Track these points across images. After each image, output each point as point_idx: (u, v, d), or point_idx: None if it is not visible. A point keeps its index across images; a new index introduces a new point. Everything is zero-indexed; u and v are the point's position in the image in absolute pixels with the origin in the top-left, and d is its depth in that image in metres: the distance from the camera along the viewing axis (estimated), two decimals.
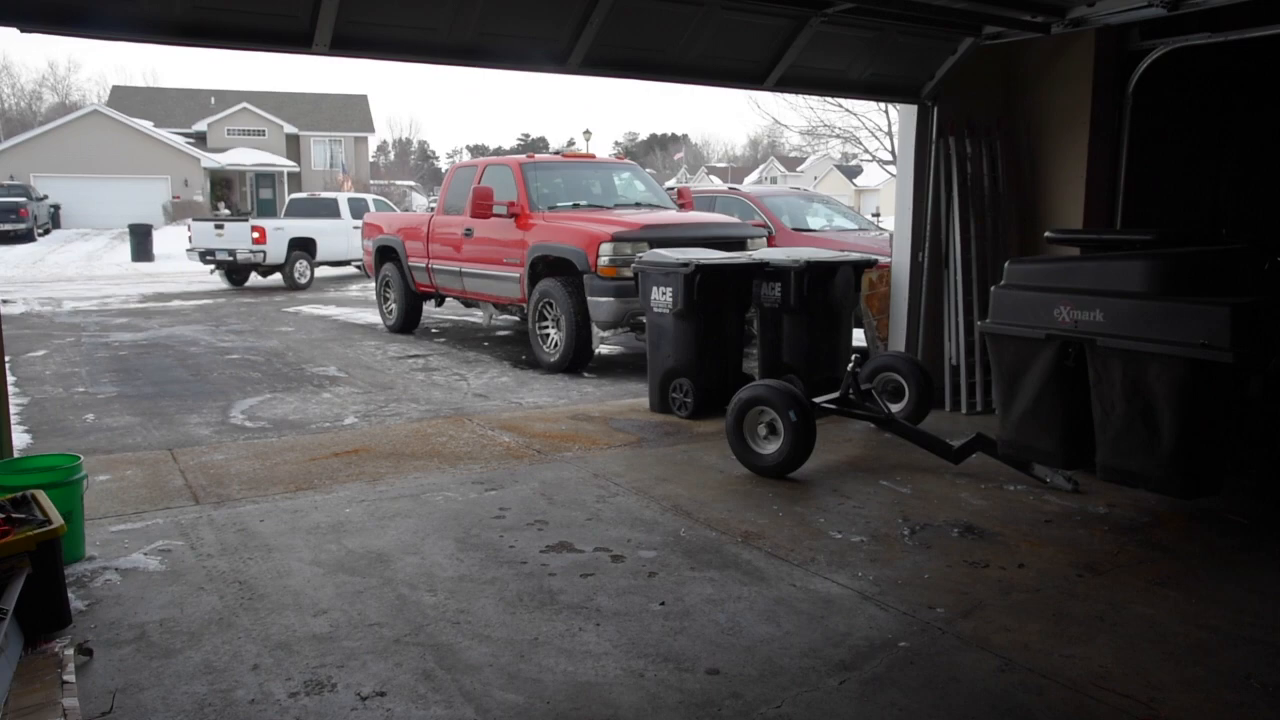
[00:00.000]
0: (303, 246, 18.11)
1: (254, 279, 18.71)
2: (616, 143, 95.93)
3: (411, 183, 58.30)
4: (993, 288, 4.75)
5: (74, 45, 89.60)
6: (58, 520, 3.32)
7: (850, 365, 5.79)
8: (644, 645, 3.23)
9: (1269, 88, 7.53)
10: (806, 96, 22.06)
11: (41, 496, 3.51)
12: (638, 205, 9.74)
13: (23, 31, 4.15)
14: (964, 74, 6.69)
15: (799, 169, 68.79)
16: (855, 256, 7.02)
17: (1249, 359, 3.78)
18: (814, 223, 11.40)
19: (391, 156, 77.61)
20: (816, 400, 5.61)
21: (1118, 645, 3.26)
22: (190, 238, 17.94)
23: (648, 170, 15.66)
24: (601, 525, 4.42)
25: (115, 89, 51.54)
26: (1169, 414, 3.96)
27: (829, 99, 23.04)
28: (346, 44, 4.81)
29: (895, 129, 20.48)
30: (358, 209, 19.20)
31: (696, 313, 6.52)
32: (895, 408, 6.01)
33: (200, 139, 44.83)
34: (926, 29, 6.29)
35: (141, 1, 4.35)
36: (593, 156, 11.88)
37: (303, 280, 18.20)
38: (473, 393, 7.75)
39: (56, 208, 35.40)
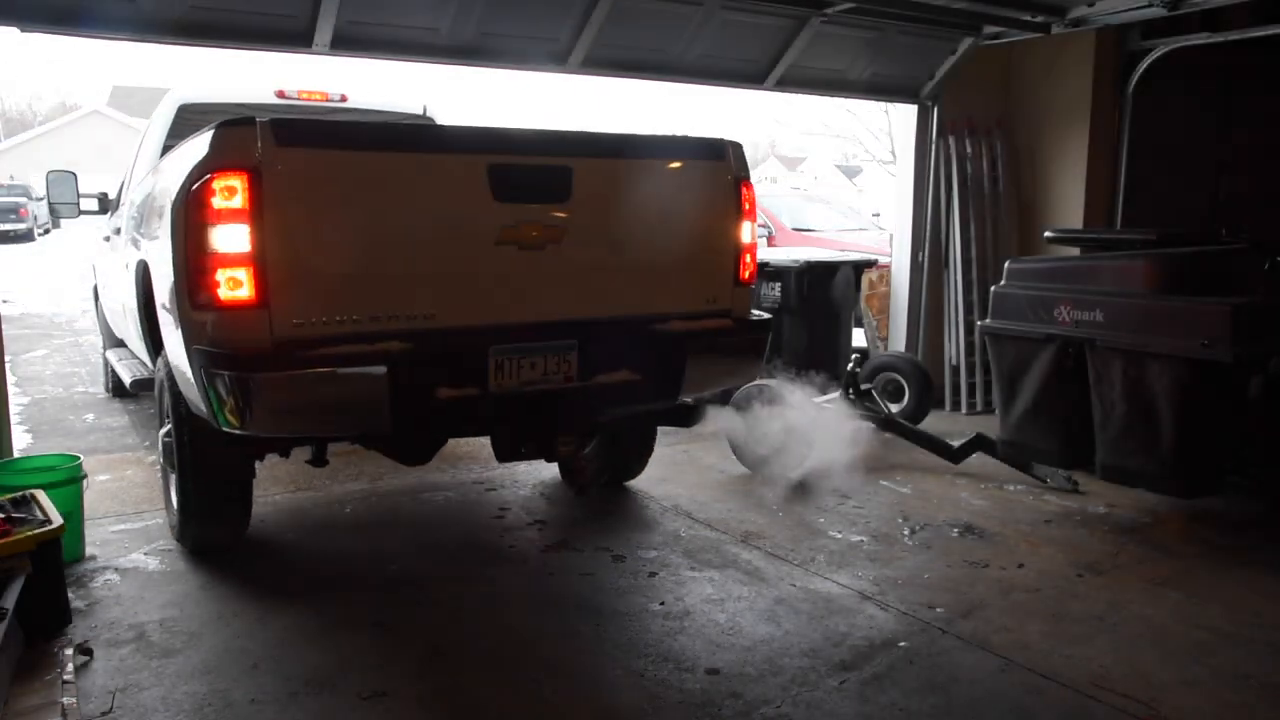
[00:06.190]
0: None
1: None
2: None
3: None
4: (993, 288, 4.75)
5: (74, 45, 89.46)
6: (58, 520, 3.32)
7: (850, 365, 5.79)
8: (644, 645, 3.23)
9: (1270, 87, 7.52)
10: (806, 96, 22.02)
11: (41, 496, 3.51)
12: None
13: (23, 31, 4.16)
14: (964, 74, 6.69)
15: (799, 169, 68.74)
16: (855, 256, 7.00)
17: (1249, 359, 3.78)
18: (814, 223, 11.39)
19: None
20: (816, 400, 5.60)
21: (1118, 645, 3.26)
22: None
23: None
24: (601, 524, 4.42)
25: (115, 89, 51.52)
26: (1169, 414, 3.95)
27: (829, 99, 23.03)
28: (346, 44, 4.81)
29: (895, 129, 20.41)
30: None
31: None
32: (895, 408, 6.00)
33: None
34: (926, 29, 6.29)
35: (141, 1, 4.35)
36: None
37: None
38: None
39: None
